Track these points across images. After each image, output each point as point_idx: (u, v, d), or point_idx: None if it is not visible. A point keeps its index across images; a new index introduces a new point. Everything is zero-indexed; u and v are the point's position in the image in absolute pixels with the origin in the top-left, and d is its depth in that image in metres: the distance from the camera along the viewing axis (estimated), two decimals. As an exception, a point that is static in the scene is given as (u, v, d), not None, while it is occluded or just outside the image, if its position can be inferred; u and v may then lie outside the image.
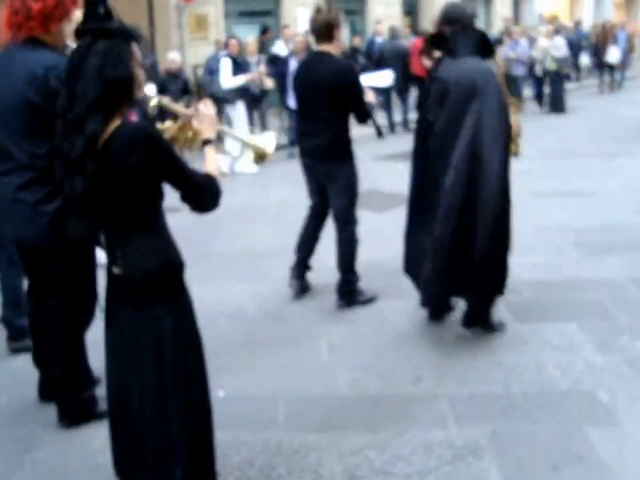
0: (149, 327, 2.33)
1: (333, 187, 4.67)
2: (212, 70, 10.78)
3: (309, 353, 4.11)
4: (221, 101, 9.80)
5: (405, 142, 7.53)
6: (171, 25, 13.53)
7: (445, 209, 3.95)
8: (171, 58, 10.48)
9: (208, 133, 2.55)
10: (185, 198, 2.36)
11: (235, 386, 3.69)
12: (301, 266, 4.96)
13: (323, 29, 4.54)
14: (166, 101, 3.16)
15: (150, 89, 7.83)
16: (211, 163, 2.46)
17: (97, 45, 2.22)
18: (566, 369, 3.77)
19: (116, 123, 2.23)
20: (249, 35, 12.10)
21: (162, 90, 9.24)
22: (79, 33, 2.30)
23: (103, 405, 3.04)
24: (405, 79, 12.54)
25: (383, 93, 11.86)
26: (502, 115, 3.91)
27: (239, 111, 10.15)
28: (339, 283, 4.77)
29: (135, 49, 2.31)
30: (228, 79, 9.98)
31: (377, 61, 13.10)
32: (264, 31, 13.79)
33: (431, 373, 3.81)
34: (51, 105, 2.75)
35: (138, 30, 2.34)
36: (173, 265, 2.38)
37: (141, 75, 2.33)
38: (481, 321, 4.21)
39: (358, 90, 4.55)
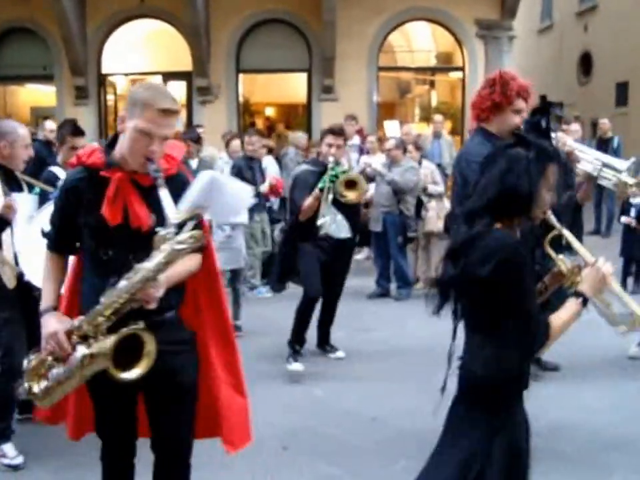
0: (464, 431, 2.26)
1: None
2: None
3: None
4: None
5: None
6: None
7: None
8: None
9: (586, 289, 2.28)
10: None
11: None
12: None
13: None
14: (571, 239, 2.52)
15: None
16: (564, 315, 2.24)
17: (513, 150, 2.23)
18: None
19: (497, 226, 2.20)
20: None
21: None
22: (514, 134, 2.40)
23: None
24: None
25: None
26: None
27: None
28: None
29: (552, 171, 2.25)
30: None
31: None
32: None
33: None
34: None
35: (558, 153, 2.25)
36: (500, 377, 2.23)
37: (547, 199, 2.26)
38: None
39: None
